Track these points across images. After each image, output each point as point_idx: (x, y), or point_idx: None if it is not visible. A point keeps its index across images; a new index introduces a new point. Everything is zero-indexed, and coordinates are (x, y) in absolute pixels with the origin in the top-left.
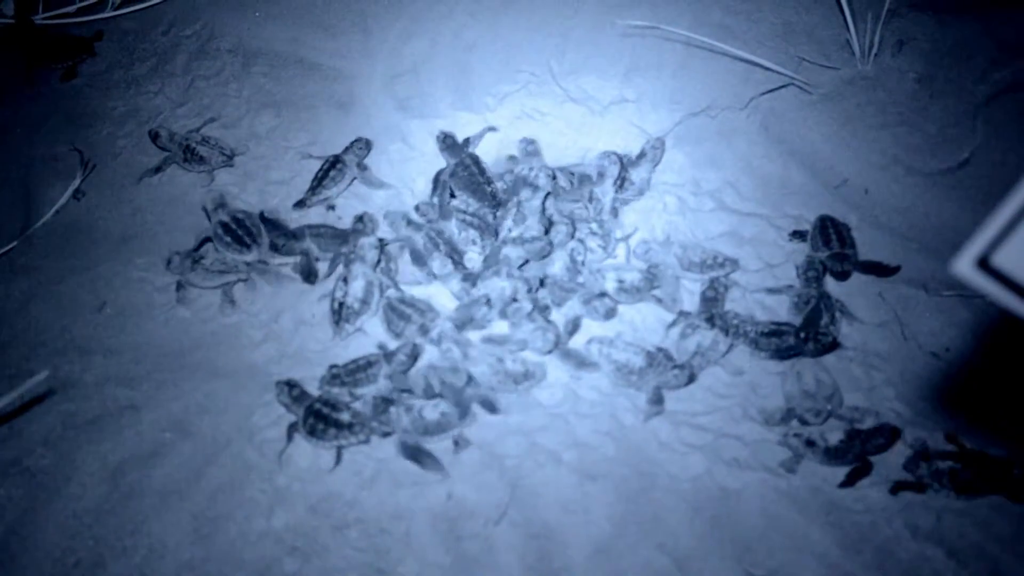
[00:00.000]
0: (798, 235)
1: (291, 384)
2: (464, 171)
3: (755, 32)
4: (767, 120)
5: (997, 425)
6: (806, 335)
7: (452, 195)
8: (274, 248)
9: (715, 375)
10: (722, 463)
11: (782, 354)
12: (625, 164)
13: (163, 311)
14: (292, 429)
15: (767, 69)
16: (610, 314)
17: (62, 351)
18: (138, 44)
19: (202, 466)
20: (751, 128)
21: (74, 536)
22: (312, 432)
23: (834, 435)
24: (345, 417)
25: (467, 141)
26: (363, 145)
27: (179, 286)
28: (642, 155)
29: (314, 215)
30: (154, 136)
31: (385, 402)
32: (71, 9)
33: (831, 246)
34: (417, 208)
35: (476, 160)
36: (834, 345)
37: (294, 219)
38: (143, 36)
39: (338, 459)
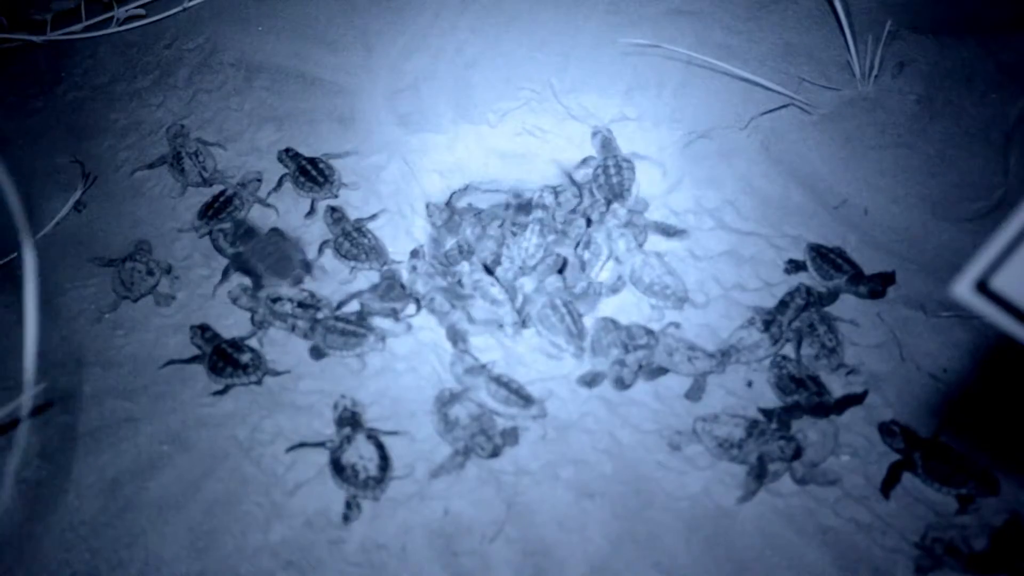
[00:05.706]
0: (793, 264)
1: (204, 328)
2: None
3: (756, 52)
4: (767, 140)
5: (995, 446)
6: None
7: None
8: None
9: (716, 394)
10: (719, 482)
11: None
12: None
13: (162, 322)
14: (195, 359)
15: (768, 89)
16: (653, 375)
17: (61, 363)
18: (141, 57)
19: (199, 479)
20: (751, 147)
21: (70, 548)
22: (212, 368)
23: (979, 540)
24: (244, 358)
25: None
26: (294, 151)
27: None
28: (605, 143)
29: (315, 230)
30: (167, 131)
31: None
32: (77, 28)
33: (844, 270)
34: (427, 207)
35: None
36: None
37: (299, 227)
38: (146, 49)
39: (223, 392)
